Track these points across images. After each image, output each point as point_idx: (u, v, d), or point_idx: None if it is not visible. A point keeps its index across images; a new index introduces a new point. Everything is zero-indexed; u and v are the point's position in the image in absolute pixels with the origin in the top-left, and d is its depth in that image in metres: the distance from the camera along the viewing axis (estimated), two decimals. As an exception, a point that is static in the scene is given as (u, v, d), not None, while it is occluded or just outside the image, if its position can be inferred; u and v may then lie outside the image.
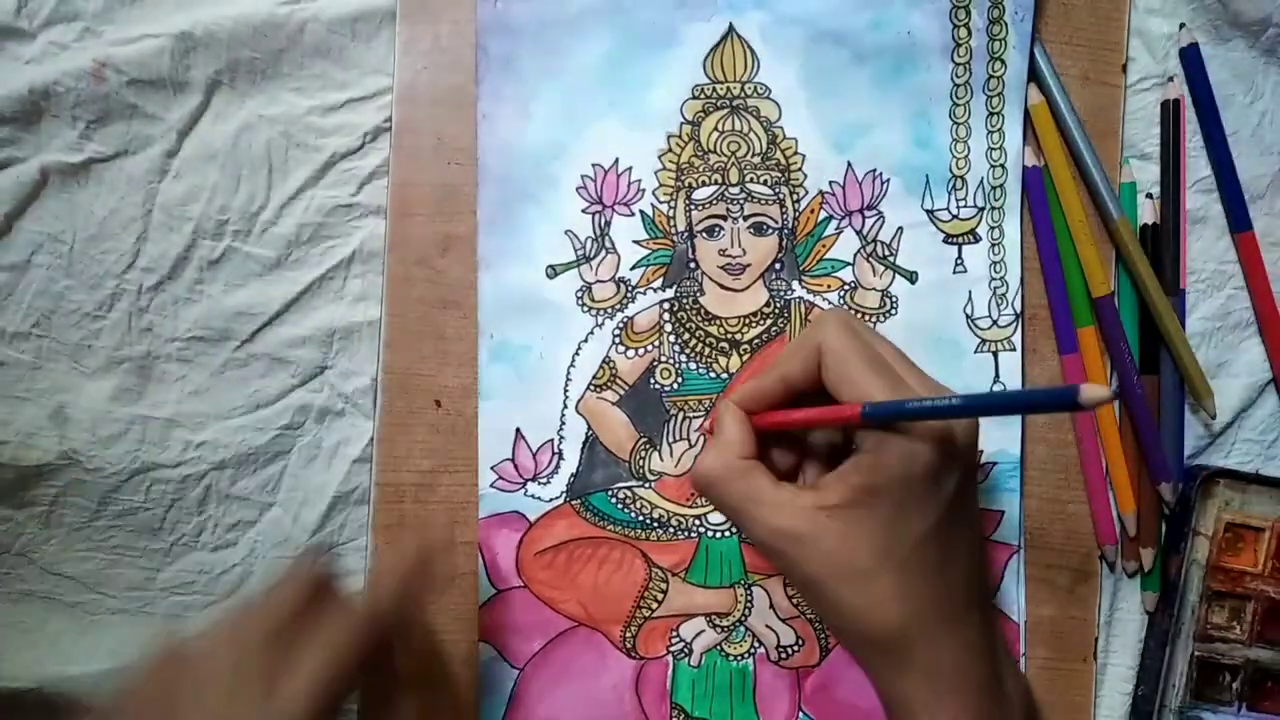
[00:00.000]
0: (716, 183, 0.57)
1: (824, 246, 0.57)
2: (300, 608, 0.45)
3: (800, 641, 0.57)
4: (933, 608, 0.43)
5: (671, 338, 0.57)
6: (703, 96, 0.56)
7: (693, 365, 0.57)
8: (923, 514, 0.43)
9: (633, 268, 0.57)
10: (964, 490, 0.44)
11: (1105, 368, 0.57)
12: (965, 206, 0.57)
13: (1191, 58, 0.57)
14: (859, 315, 0.57)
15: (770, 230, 0.57)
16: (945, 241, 0.57)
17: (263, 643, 0.45)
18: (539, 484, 0.57)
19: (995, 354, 0.57)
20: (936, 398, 0.41)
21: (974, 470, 0.45)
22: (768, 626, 0.57)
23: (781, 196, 0.57)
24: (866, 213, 0.57)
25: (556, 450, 0.57)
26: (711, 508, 0.57)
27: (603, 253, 0.57)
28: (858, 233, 0.57)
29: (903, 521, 0.43)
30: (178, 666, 0.46)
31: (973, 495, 0.46)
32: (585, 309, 0.57)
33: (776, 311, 0.57)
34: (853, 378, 0.44)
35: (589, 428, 0.57)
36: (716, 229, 0.57)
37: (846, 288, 0.57)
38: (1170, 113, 0.57)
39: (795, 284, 0.57)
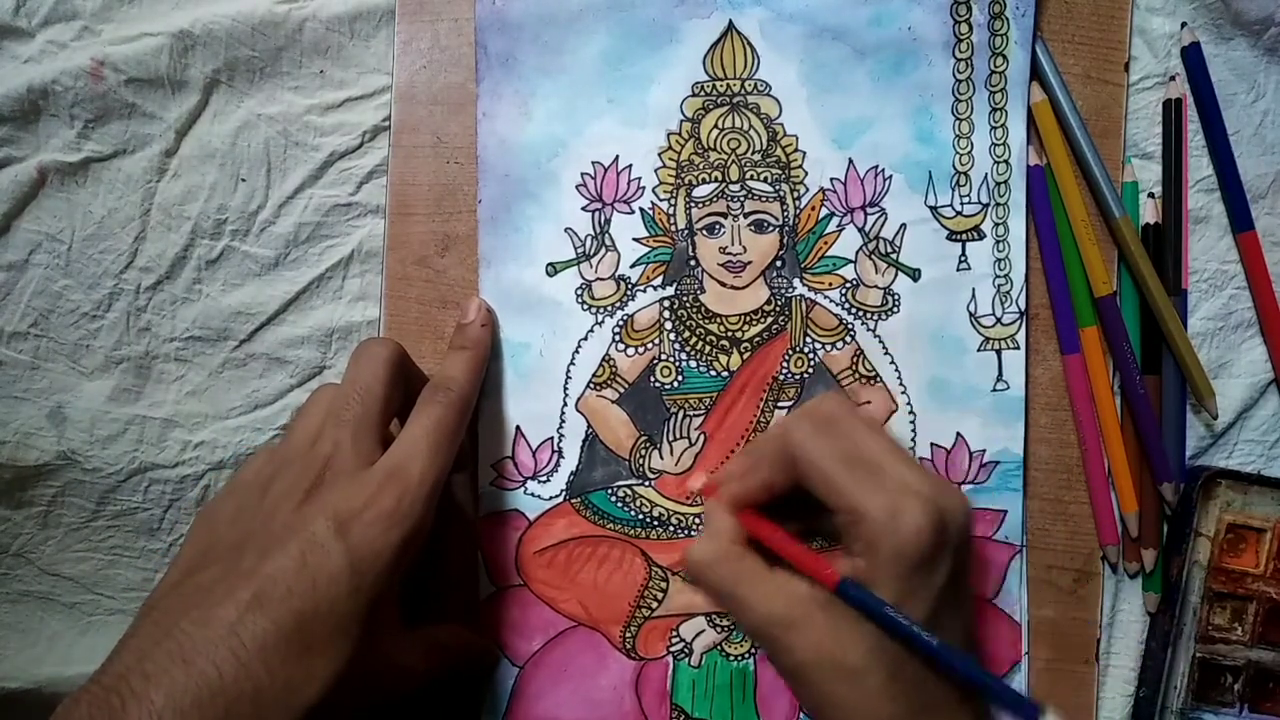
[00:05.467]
0: (717, 180, 0.56)
1: (825, 244, 0.57)
2: (390, 389, 0.48)
3: (801, 642, 0.57)
4: (925, 705, 0.42)
5: (672, 335, 0.57)
6: (703, 94, 0.56)
7: (693, 363, 0.57)
8: (915, 608, 0.41)
9: (633, 265, 0.57)
10: (957, 577, 0.42)
11: (1107, 368, 0.57)
12: (969, 203, 0.57)
13: (1193, 57, 0.57)
14: (862, 313, 0.57)
15: (771, 227, 0.57)
16: (948, 238, 0.57)
17: (362, 426, 0.46)
18: (539, 482, 0.57)
19: (998, 352, 0.57)
20: (909, 622, 0.40)
21: (968, 553, 0.44)
22: (769, 627, 0.57)
23: (782, 194, 0.56)
24: (868, 209, 0.57)
25: (556, 448, 0.57)
26: (712, 506, 0.57)
27: (603, 250, 0.56)
28: (860, 230, 0.57)
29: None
30: (278, 460, 0.47)
31: (965, 579, 0.44)
32: (585, 307, 0.56)
33: (777, 309, 0.57)
34: (826, 489, 0.43)
35: (589, 426, 0.57)
36: (717, 226, 0.57)
37: (848, 285, 0.57)
38: (1172, 112, 0.57)
39: (796, 281, 0.57)
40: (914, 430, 0.57)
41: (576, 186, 0.56)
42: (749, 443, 0.57)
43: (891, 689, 0.41)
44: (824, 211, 0.57)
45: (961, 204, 0.57)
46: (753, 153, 0.56)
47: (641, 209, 0.56)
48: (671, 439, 0.57)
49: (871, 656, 0.41)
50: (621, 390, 0.57)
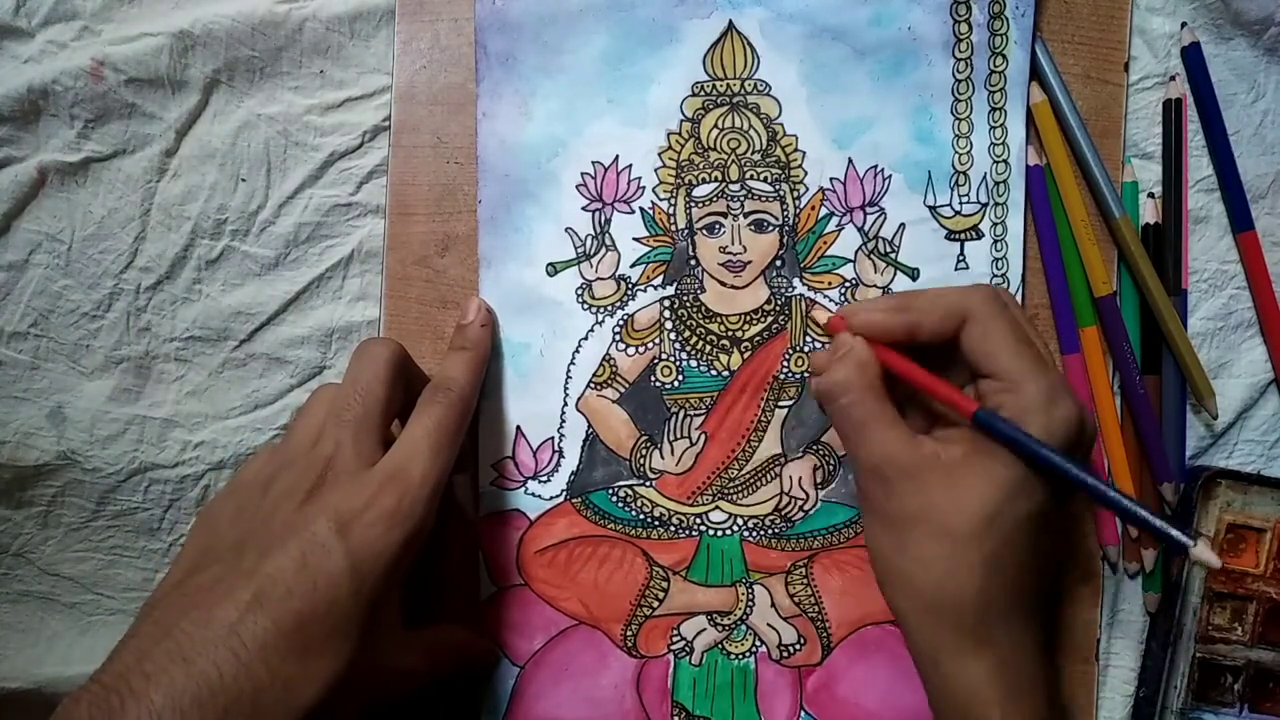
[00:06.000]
0: (717, 180, 0.56)
1: (825, 243, 0.57)
2: (391, 390, 0.48)
3: (802, 640, 0.57)
4: (1017, 591, 0.43)
5: (672, 335, 0.57)
6: (702, 93, 0.56)
7: (693, 363, 0.57)
8: (1035, 495, 0.42)
9: (633, 265, 0.57)
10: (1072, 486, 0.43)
11: (1107, 368, 0.57)
12: (968, 203, 0.57)
13: (1193, 57, 0.57)
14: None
15: (771, 227, 0.57)
16: (947, 238, 0.57)
17: (364, 426, 0.46)
18: (539, 482, 0.57)
19: (997, 351, 0.57)
20: (1050, 447, 0.41)
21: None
22: (769, 625, 0.57)
23: (782, 193, 0.56)
24: (868, 209, 0.57)
25: (557, 448, 0.57)
26: (712, 506, 0.57)
27: (603, 250, 0.56)
28: (859, 229, 0.57)
29: (1016, 496, 0.42)
30: (279, 460, 0.47)
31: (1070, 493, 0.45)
32: (585, 306, 0.56)
33: (777, 309, 0.57)
34: (995, 352, 0.44)
35: (589, 426, 0.57)
36: (717, 226, 0.57)
37: (848, 285, 0.57)
38: (1172, 112, 0.57)
39: (796, 281, 0.57)
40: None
41: (576, 186, 0.56)
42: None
43: (993, 563, 0.42)
44: (823, 211, 0.57)
45: (960, 204, 0.57)
46: (753, 152, 0.56)
47: (641, 209, 0.57)
48: (672, 439, 0.57)
49: (979, 529, 0.42)
50: (622, 390, 0.57)
